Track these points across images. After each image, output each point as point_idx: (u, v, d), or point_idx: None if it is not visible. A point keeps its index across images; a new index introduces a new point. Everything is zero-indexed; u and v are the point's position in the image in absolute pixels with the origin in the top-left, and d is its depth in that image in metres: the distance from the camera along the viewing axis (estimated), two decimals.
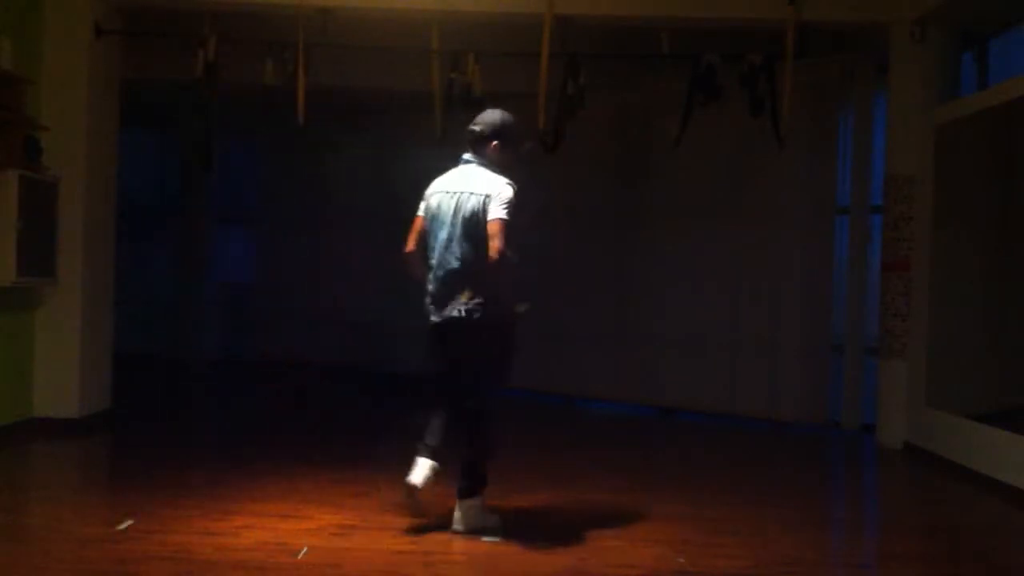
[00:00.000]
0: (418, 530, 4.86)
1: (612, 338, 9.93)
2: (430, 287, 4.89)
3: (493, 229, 4.67)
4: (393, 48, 8.14)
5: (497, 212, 4.69)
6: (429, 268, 4.90)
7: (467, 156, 4.95)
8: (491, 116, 4.95)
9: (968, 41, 7.95)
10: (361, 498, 5.52)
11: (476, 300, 4.73)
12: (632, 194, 9.86)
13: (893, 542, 5.34)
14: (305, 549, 4.48)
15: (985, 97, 7.16)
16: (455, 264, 4.78)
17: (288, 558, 4.35)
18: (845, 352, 8.79)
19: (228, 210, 13.74)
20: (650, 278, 9.72)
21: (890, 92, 8.07)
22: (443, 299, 4.81)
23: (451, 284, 4.78)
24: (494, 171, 4.86)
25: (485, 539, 4.77)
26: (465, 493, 4.86)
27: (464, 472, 4.86)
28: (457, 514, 4.85)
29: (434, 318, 4.86)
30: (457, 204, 4.80)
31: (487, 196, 4.74)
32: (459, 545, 4.74)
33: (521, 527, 5.03)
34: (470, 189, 4.80)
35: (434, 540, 4.78)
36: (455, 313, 4.75)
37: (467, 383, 4.87)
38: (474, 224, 4.74)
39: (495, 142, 4.91)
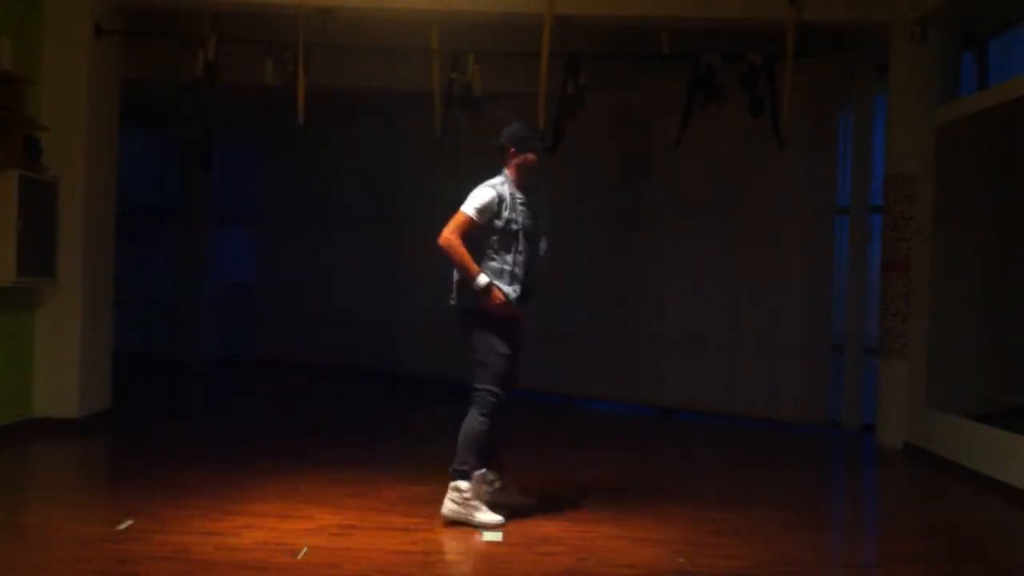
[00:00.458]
0: (418, 530, 4.86)
1: (612, 338, 9.93)
2: None
3: (450, 218, 5.10)
4: (393, 48, 8.14)
5: (463, 205, 5.10)
6: None
7: None
8: (505, 129, 5.32)
9: (968, 41, 7.96)
10: (361, 498, 5.52)
11: (452, 292, 5.20)
12: (632, 194, 9.87)
13: (893, 542, 5.34)
14: (305, 549, 4.48)
15: (985, 97, 7.16)
16: None
17: (288, 558, 4.35)
18: (845, 352, 8.79)
19: (228, 210, 13.75)
20: (650, 278, 9.73)
21: (890, 92, 8.07)
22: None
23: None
24: (508, 176, 5.24)
25: (484, 537, 4.77)
26: (449, 475, 5.08)
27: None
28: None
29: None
30: None
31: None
32: (459, 545, 4.74)
33: (521, 527, 5.03)
34: None
35: (434, 540, 4.78)
36: (451, 302, 5.23)
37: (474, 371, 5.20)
38: None
39: (511, 148, 5.24)
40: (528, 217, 5.18)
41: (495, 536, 4.83)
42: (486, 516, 4.99)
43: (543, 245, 5.32)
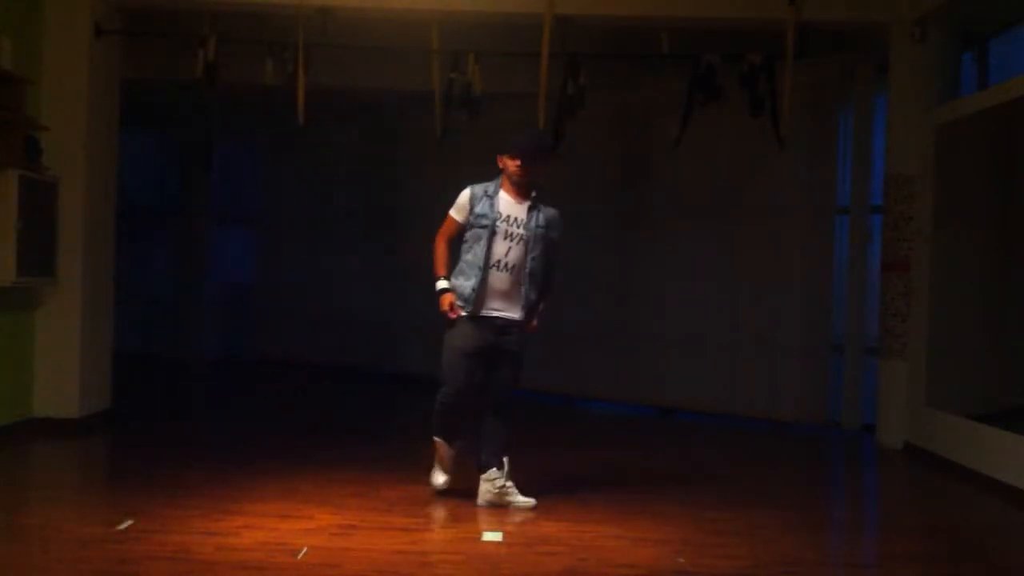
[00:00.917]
0: (418, 530, 4.86)
1: (612, 338, 9.93)
2: None
3: None
4: (393, 48, 8.14)
5: None
6: None
7: None
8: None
9: (968, 41, 7.95)
10: (361, 498, 5.52)
11: None
12: (632, 194, 9.87)
13: (893, 542, 5.34)
14: (305, 549, 4.48)
15: (985, 97, 7.15)
16: None
17: (288, 558, 4.34)
18: (845, 352, 8.79)
19: (228, 210, 13.75)
20: (650, 278, 9.73)
21: (890, 92, 8.07)
22: None
23: None
24: (502, 180, 5.47)
25: (484, 537, 4.77)
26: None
27: None
28: None
29: None
30: None
31: None
32: (459, 545, 4.74)
33: (521, 527, 5.03)
34: None
35: (434, 540, 4.78)
36: None
37: None
38: None
39: (502, 155, 5.43)
40: (518, 225, 5.33)
41: (495, 536, 4.83)
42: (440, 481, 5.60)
43: (534, 256, 5.35)
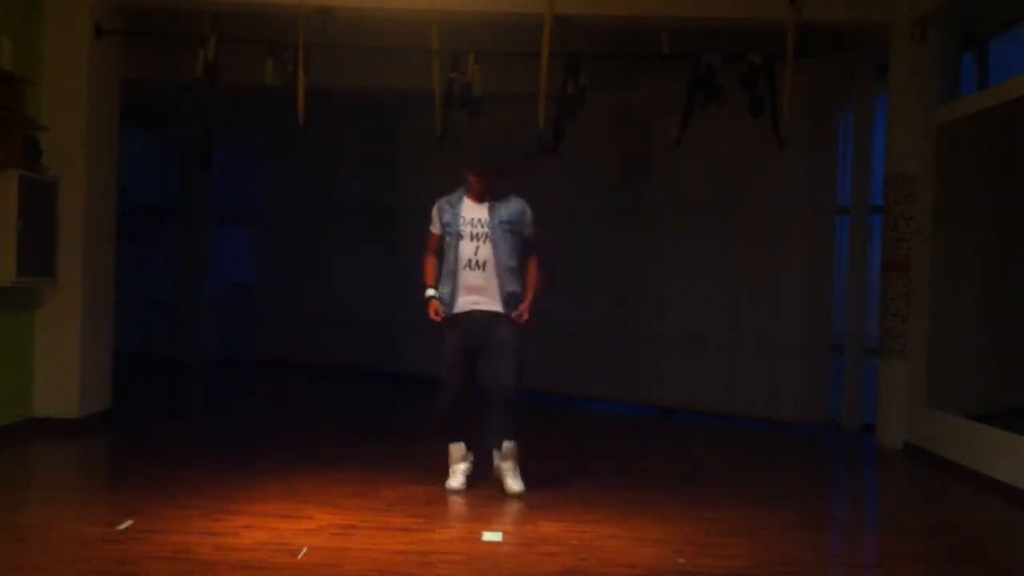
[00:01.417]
0: (418, 530, 4.87)
1: (612, 338, 9.93)
2: None
3: None
4: (393, 48, 8.14)
5: None
6: None
7: None
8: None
9: (968, 41, 7.95)
10: (361, 498, 5.52)
11: None
12: (632, 194, 9.86)
13: (893, 542, 5.34)
14: (305, 549, 4.48)
15: (985, 97, 7.16)
16: None
17: (288, 558, 4.35)
18: (845, 352, 8.79)
19: (228, 210, 13.74)
20: (650, 278, 9.72)
21: (890, 92, 8.07)
22: None
23: None
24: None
25: (484, 537, 4.77)
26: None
27: None
28: None
29: None
30: None
31: None
32: (459, 545, 4.74)
33: (521, 527, 5.03)
34: None
35: (434, 540, 4.78)
36: None
37: None
38: None
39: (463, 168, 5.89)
40: (482, 225, 5.68)
41: (495, 536, 4.83)
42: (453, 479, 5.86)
43: (503, 250, 5.69)
